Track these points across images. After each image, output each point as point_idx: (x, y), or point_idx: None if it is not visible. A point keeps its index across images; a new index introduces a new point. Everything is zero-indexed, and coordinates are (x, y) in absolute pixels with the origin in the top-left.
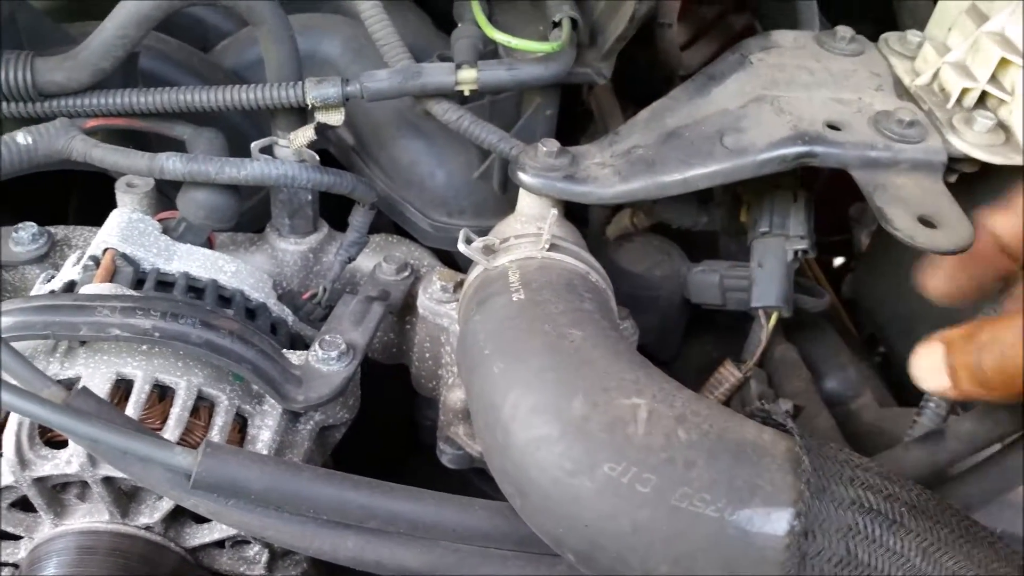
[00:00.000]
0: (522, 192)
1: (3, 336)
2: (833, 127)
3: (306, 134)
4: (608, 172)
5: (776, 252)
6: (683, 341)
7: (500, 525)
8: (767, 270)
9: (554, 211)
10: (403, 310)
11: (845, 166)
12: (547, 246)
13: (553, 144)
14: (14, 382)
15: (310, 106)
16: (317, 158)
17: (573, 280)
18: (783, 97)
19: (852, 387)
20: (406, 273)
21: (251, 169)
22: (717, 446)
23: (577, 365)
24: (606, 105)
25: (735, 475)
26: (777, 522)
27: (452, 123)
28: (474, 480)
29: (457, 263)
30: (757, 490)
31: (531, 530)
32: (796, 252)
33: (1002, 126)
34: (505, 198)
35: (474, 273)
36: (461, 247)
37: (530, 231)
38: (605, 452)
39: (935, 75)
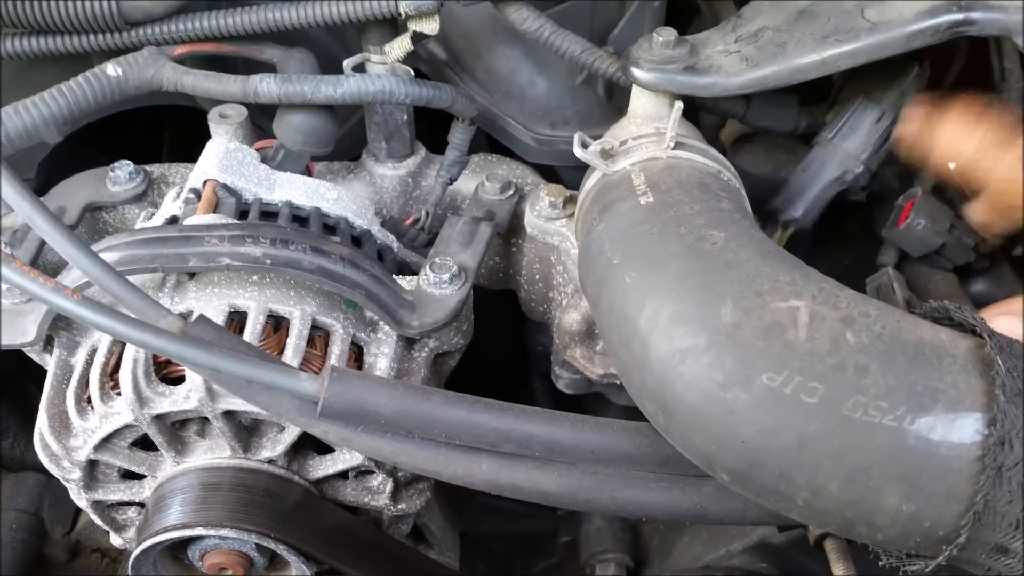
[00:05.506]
0: (636, 90)
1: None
2: None
3: (403, 45)
4: (734, 59)
5: (825, 163)
6: (813, 247)
7: (641, 445)
8: (806, 177)
9: (679, 104)
10: (509, 232)
11: (1009, 32)
12: (672, 144)
13: (670, 33)
14: (129, 314)
15: (403, 16)
16: (412, 72)
17: (705, 179)
18: None
19: (1004, 286)
20: (510, 192)
21: (348, 86)
22: (892, 349)
23: (722, 268)
24: None
25: (914, 379)
26: (962, 429)
27: (531, 33)
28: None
29: (561, 179)
30: (939, 395)
31: (674, 450)
32: (844, 172)
33: None
34: (611, 105)
35: (591, 180)
36: (577, 152)
37: (648, 131)
38: (762, 361)
39: None
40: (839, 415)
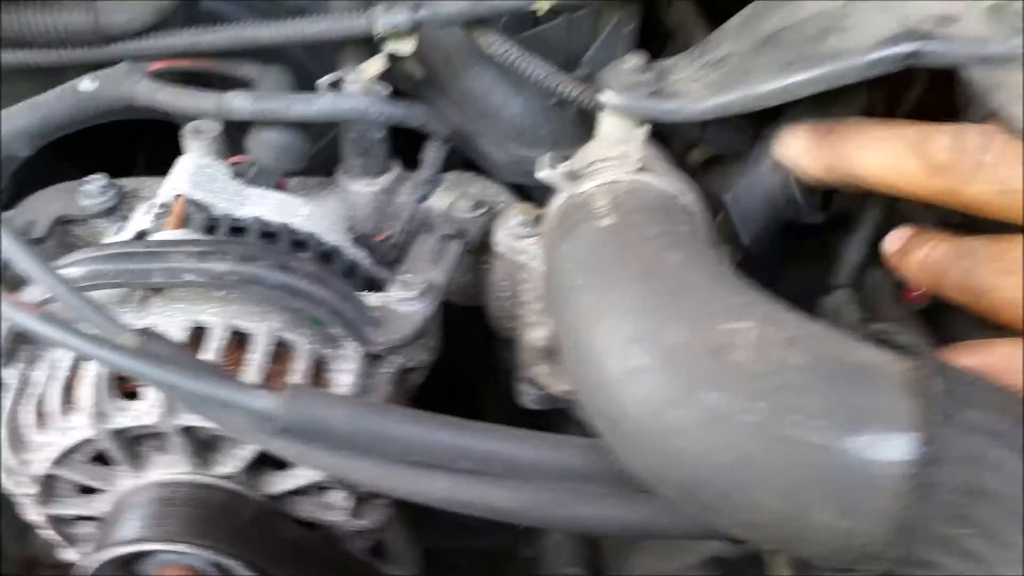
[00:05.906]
0: (604, 113)
1: (75, 285)
2: (945, 21)
3: (377, 64)
4: (699, 85)
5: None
6: (777, 267)
7: (596, 463)
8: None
9: (644, 128)
10: (479, 249)
11: (957, 64)
12: (636, 167)
13: (639, 58)
14: (88, 330)
15: (379, 35)
16: (388, 90)
17: (666, 203)
18: None
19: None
20: (483, 210)
21: (321, 104)
22: (832, 369)
23: (675, 290)
24: (688, 19)
25: (851, 400)
26: (895, 449)
27: (498, 57)
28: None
29: (533, 199)
30: (875, 414)
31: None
32: None
33: None
34: (585, 125)
35: (557, 202)
36: (541, 173)
37: (614, 154)
38: (708, 381)
39: None
40: (779, 434)
